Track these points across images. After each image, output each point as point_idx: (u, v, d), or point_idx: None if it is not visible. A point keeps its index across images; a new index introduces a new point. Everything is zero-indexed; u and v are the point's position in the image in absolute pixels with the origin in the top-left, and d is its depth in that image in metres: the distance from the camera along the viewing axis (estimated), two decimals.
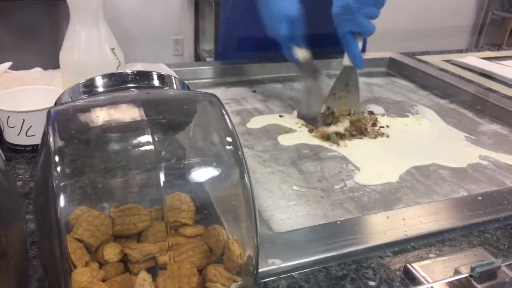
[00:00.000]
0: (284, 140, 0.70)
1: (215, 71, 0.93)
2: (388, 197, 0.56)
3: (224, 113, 0.36)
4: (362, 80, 0.99)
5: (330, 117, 0.73)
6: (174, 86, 0.40)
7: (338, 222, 0.48)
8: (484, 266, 0.39)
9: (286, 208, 0.53)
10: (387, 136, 0.72)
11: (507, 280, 0.40)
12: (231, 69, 0.94)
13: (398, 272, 0.42)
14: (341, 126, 0.71)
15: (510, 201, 0.53)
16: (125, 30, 2.48)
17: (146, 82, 0.38)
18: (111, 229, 0.37)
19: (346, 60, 0.72)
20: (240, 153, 0.33)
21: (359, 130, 0.71)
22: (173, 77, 0.40)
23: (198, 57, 2.80)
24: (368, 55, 1.07)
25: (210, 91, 0.89)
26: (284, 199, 0.55)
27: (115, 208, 0.37)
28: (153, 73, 0.38)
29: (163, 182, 0.31)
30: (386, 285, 0.41)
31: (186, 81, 0.91)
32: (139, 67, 0.85)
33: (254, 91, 0.89)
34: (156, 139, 0.33)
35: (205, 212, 0.39)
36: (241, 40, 1.00)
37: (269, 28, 0.75)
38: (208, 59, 2.62)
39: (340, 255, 0.44)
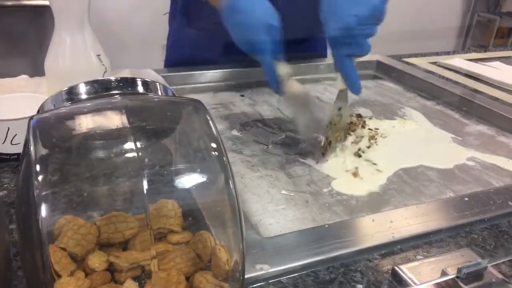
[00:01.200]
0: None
1: (203, 76, 0.93)
2: (376, 200, 0.57)
3: (209, 118, 0.36)
4: None
5: (328, 147, 0.66)
6: (159, 92, 0.40)
7: (326, 226, 0.48)
8: (470, 267, 0.39)
9: (274, 212, 0.53)
10: (379, 138, 0.73)
11: (494, 280, 0.40)
12: (219, 73, 0.94)
13: (386, 275, 0.43)
14: (342, 155, 0.67)
15: (496, 201, 0.53)
16: (114, 36, 2.47)
17: (129, 89, 0.37)
18: (97, 237, 0.37)
19: (340, 85, 0.65)
20: (224, 158, 0.33)
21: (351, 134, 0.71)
22: (157, 83, 0.40)
23: None
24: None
25: (198, 96, 0.89)
26: (272, 204, 0.55)
27: (101, 216, 0.37)
28: (137, 79, 0.38)
29: (147, 189, 0.31)
30: None
31: (174, 87, 0.90)
32: (127, 73, 0.85)
33: (243, 96, 0.89)
34: (139, 146, 0.32)
35: (191, 219, 0.39)
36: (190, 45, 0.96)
37: (243, 41, 0.63)
38: None
39: (329, 258, 0.44)
